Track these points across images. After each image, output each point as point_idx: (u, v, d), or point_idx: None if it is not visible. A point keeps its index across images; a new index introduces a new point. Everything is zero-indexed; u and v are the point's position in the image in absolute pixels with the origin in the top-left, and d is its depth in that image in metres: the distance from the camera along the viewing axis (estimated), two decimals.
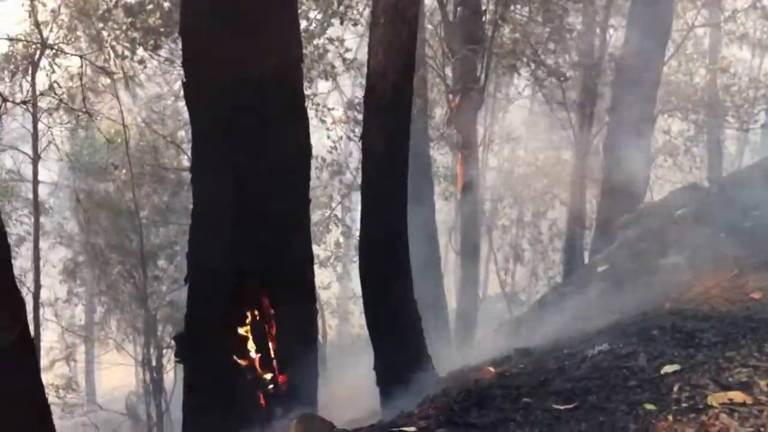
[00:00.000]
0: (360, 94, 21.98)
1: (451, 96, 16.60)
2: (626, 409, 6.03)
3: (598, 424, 5.89)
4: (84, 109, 14.28)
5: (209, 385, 9.68)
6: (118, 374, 29.11)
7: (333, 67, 19.61)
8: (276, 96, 9.65)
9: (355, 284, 27.64)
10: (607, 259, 13.81)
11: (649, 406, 5.90)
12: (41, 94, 14.11)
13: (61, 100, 15.80)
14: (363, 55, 21.46)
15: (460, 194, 17.48)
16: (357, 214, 26.83)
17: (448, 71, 17.50)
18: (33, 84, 16.86)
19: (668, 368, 6.44)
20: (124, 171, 19.42)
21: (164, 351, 18.48)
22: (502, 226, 28.64)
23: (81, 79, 12.86)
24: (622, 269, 12.26)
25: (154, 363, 17.88)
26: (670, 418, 5.63)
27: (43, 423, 7.05)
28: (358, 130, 22.10)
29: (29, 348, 7.13)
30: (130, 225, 18.27)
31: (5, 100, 10.21)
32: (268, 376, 9.82)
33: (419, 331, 9.45)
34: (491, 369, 8.11)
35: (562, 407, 6.38)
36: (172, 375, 19.70)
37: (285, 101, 9.81)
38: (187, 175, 20.76)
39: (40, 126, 17.55)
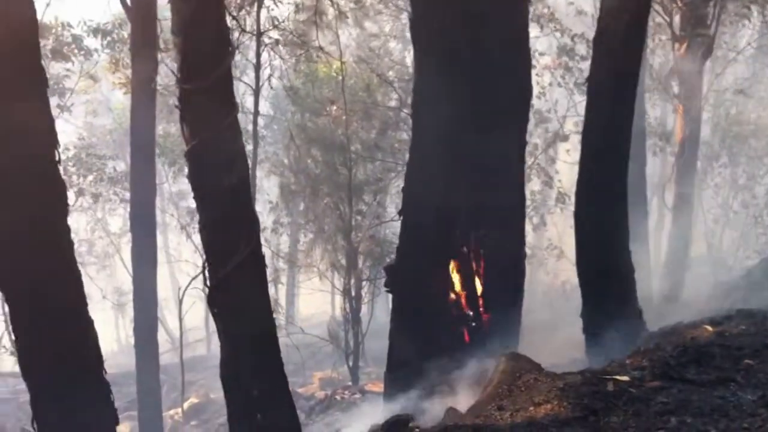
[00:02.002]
0: (570, 41, 21.35)
1: (676, 44, 15.74)
2: None
3: None
4: (317, 43, 14.78)
5: (415, 317, 9.95)
6: (316, 301, 30.55)
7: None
8: (500, 33, 9.58)
9: (552, 234, 27.39)
10: None
11: None
12: (275, 26, 14.70)
13: (292, 33, 16.44)
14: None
15: (678, 149, 16.71)
16: (560, 165, 26.36)
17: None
18: (258, 17, 17.60)
19: None
20: (335, 107, 20.04)
21: (363, 283, 19.17)
22: (714, 185, 27.19)
23: (315, 13, 13.21)
24: None
25: (353, 293, 18.58)
26: None
27: (270, 330, 7.57)
28: (569, 77, 21.56)
29: (260, 262, 7.63)
30: (341, 159, 18.90)
31: (243, 30, 10.75)
32: (473, 313, 9.97)
33: (631, 282, 9.23)
34: (709, 327, 7.84)
35: None
36: (368, 307, 20.43)
37: (508, 39, 9.73)
38: (394, 114, 21.24)
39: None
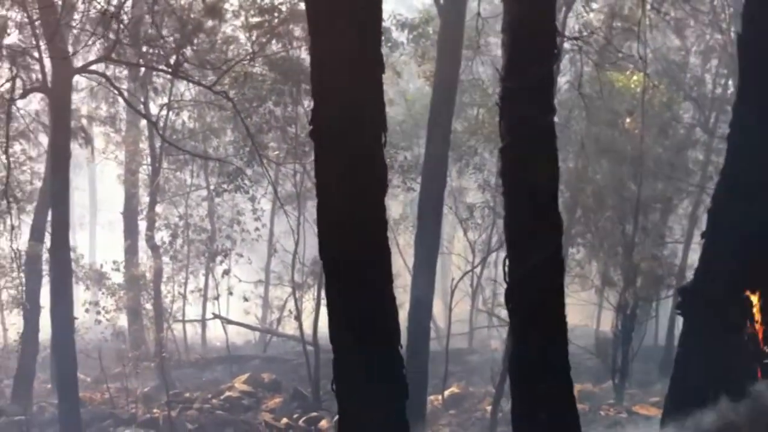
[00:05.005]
0: None
1: None
2: None
3: None
4: (621, 53, 14.59)
5: (706, 344, 9.50)
6: (580, 312, 29.93)
7: None
8: None
9: None
10: None
11: None
12: (592, 33, 14.62)
13: (608, 40, 16.32)
14: None
15: None
16: None
17: None
18: (564, 22, 17.57)
19: None
20: (628, 120, 19.53)
21: (639, 302, 18.57)
22: None
23: (639, 23, 12.85)
24: None
25: (628, 311, 18.07)
26: None
27: (561, 332, 7.58)
28: None
29: (560, 265, 7.68)
30: (630, 173, 18.43)
31: (559, 34, 10.77)
32: None
33: None
34: None
35: None
36: (641, 327, 19.72)
37: None
38: (688, 132, 20.36)
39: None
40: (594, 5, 18.47)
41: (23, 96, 16.39)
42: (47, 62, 15.65)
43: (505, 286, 7.74)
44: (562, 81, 19.43)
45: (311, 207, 25.26)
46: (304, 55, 19.91)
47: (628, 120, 19.70)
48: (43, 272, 20.22)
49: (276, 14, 19.52)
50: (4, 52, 16.23)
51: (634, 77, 18.98)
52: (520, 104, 7.52)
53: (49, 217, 17.26)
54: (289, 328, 28.36)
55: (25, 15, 15.83)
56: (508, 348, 15.12)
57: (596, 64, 16.29)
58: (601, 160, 19.91)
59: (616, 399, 17.89)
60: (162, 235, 24.80)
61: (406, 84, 29.35)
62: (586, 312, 29.24)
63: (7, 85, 15.67)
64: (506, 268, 7.63)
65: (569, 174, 22.59)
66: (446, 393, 19.45)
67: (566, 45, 18.29)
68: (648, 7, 16.58)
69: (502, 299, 23.46)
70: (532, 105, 7.50)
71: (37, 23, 15.52)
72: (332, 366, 7.40)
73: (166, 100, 22.30)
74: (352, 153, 7.07)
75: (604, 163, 19.81)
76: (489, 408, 17.42)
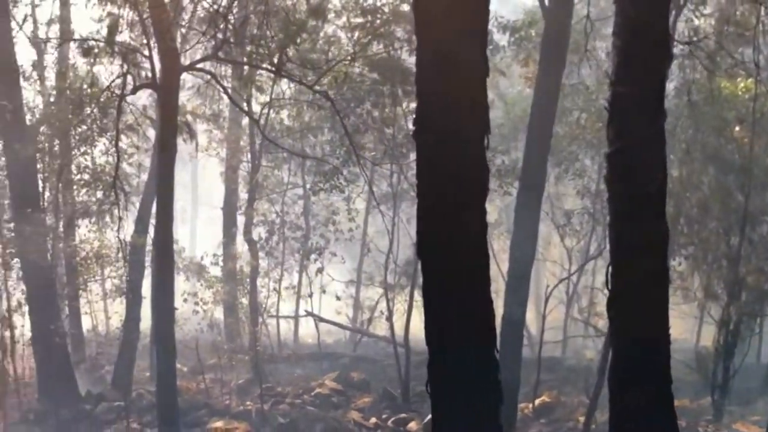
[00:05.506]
0: None
1: None
2: None
3: None
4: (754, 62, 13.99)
5: None
6: (679, 325, 29.08)
7: None
8: None
9: None
10: None
11: None
12: (705, 37, 14.14)
13: (721, 45, 15.81)
14: None
15: None
16: None
17: None
18: (674, 25, 17.09)
19: None
20: (737, 128, 18.86)
21: (743, 317, 17.87)
22: None
23: (754, 29, 12.39)
24: None
25: (731, 326, 17.43)
26: None
27: (663, 345, 7.37)
28: None
29: (664, 276, 7.47)
30: (738, 184, 17.80)
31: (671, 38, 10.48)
32: None
33: None
34: None
35: None
36: (745, 343, 18.99)
37: None
38: None
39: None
40: (705, 10, 17.84)
41: (134, 92, 16.88)
42: (156, 60, 16.12)
43: (605, 294, 7.60)
44: (670, 87, 18.83)
45: (406, 207, 25.48)
46: (405, 56, 20.00)
47: (737, 128, 19.02)
48: (146, 263, 20.94)
49: (378, 15, 19.66)
50: (116, 50, 16.80)
51: (742, 84, 18.34)
52: (631, 109, 7.34)
53: (154, 210, 17.79)
54: (380, 329, 28.55)
55: (136, 14, 16.29)
56: (604, 358, 14.84)
57: (708, 69, 15.73)
58: (707, 168, 19.27)
59: (715, 416, 17.26)
60: (259, 232, 25.33)
61: (505, 87, 29.12)
62: (686, 325, 28.40)
63: (119, 81, 16.26)
64: (608, 276, 7.45)
65: (673, 182, 21.99)
66: (537, 401, 19.17)
67: (675, 50, 17.75)
68: (762, 11, 15.98)
69: (598, 308, 23.26)
70: (643, 110, 7.30)
71: (147, 22, 16.02)
72: (427, 367, 7.37)
73: (267, 98, 22.70)
74: (455, 155, 7.03)
75: (710, 172, 19.16)
76: (581, 419, 17.04)
